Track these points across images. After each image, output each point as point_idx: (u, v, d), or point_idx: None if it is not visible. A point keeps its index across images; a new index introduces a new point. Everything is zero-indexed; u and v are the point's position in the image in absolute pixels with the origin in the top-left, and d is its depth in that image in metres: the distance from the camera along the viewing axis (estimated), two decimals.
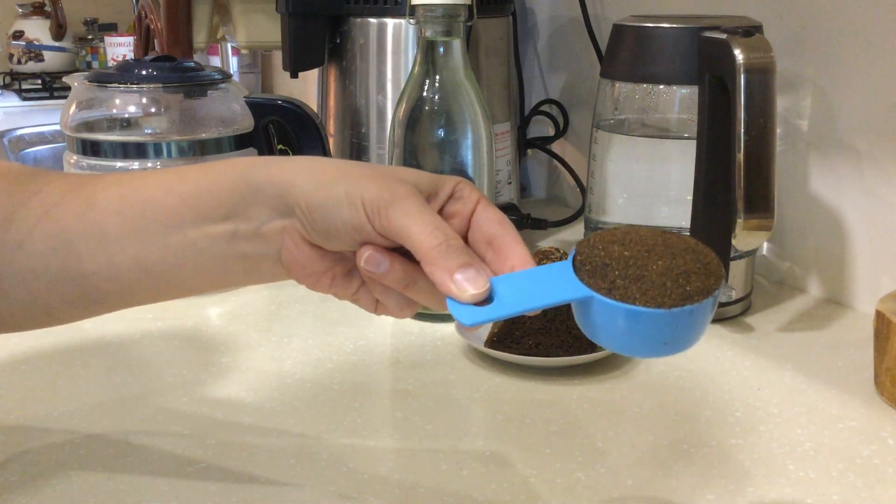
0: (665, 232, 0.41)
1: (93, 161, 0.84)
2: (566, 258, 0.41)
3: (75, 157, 0.85)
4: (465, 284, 0.39)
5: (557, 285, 0.39)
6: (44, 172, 0.47)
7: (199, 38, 1.16)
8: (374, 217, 0.40)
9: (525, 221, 0.94)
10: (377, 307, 0.45)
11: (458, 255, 0.39)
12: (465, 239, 0.43)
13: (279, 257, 0.43)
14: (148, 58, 0.86)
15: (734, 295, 0.74)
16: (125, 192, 0.45)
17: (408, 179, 0.42)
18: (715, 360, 0.70)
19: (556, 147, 1.15)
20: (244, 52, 1.42)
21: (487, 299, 0.39)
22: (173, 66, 0.84)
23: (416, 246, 0.39)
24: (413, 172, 0.44)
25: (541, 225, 0.95)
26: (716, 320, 0.77)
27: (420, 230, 0.39)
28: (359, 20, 0.88)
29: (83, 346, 0.72)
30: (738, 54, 0.66)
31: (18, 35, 2.60)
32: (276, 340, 0.73)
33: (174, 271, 0.45)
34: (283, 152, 0.92)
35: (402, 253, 0.42)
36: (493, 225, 0.42)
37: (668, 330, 0.38)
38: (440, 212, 0.43)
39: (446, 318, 0.72)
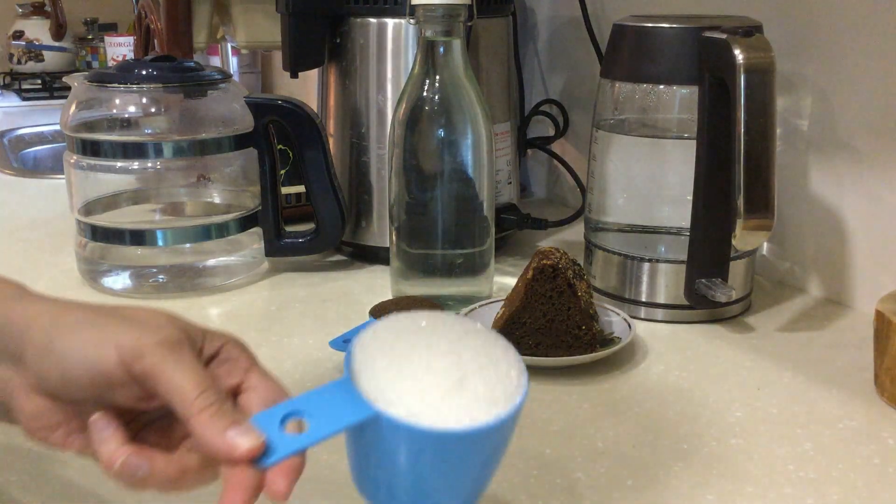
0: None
1: (93, 161, 0.84)
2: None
3: (75, 157, 0.85)
4: (236, 442, 0.35)
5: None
6: None
7: (199, 38, 1.16)
8: (133, 362, 0.36)
9: (525, 221, 0.94)
10: None
11: (224, 412, 0.36)
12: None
13: (7, 405, 0.39)
14: (148, 58, 0.86)
15: (734, 295, 0.74)
16: None
17: (175, 325, 0.38)
18: (715, 360, 0.70)
19: (556, 147, 1.15)
20: (244, 52, 1.42)
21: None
22: (173, 66, 0.84)
23: (183, 404, 0.35)
24: (176, 319, 0.39)
25: (541, 225, 0.95)
26: (716, 320, 0.77)
27: (185, 385, 0.35)
28: (359, 20, 0.88)
29: None
30: (738, 54, 0.66)
31: (18, 35, 2.59)
32: (276, 340, 0.73)
33: None
34: (283, 152, 0.92)
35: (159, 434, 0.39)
36: (273, 397, 0.39)
37: None
38: None
39: None
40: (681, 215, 0.75)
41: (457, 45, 0.74)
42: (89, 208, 0.87)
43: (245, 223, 0.87)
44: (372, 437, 0.36)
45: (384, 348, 0.37)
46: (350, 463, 0.39)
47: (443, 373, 0.36)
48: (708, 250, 0.74)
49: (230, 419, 0.35)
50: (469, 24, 0.76)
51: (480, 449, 0.37)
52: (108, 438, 0.37)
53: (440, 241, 0.76)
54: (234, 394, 0.39)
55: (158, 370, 0.36)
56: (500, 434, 0.37)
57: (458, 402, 0.35)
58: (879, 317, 0.62)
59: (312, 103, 0.91)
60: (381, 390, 0.35)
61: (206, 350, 0.39)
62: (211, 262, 0.87)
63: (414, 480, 0.37)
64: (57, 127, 1.41)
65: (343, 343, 0.66)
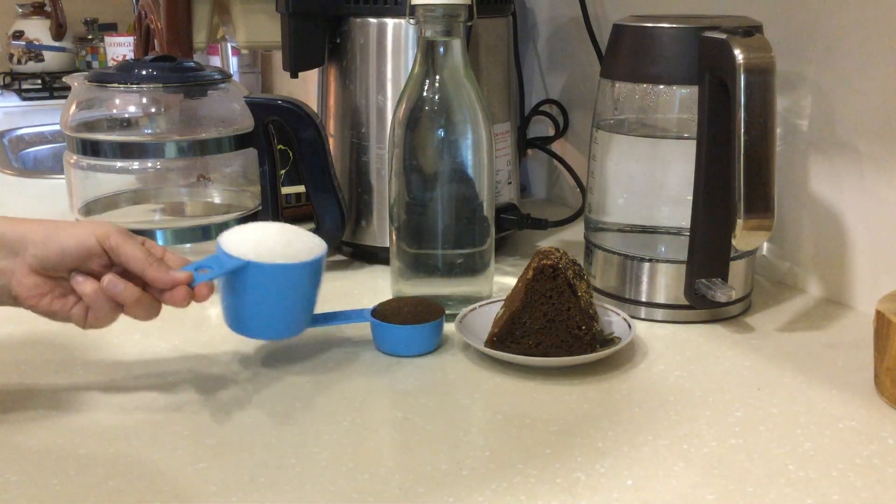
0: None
1: (93, 161, 0.84)
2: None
3: (75, 157, 0.85)
4: (177, 275, 0.59)
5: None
6: None
7: (199, 38, 1.16)
8: (105, 240, 0.58)
9: (525, 221, 0.94)
10: (85, 321, 0.60)
11: (164, 265, 0.60)
12: None
13: (8, 289, 0.59)
14: (148, 58, 0.86)
15: (734, 295, 0.74)
16: None
17: (119, 226, 0.61)
18: (715, 360, 0.70)
19: (556, 147, 1.15)
20: (244, 52, 1.42)
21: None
22: (173, 66, 0.84)
23: (137, 261, 0.59)
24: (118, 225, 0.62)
25: (541, 225, 0.95)
26: (716, 320, 0.77)
27: (138, 252, 0.59)
28: (359, 20, 0.88)
29: (83, 346, 0.72)
30: (738, 54, 0.66)
31: (18, 35, 2.60)
32: (276, 340, 0.73)
33: None
34: (283, 152, 0.92)
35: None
36: (183, 262, 0.62)
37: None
38: None
39: (448, 318, 0.73)
40: (681, 215, 0.75)
41: (457, 45, 0.74)
42: (89, 208, 0.87)
43: (245, 223, 0.87)
44: (240, 280, 0.61)
45: (238, 237, 0.63)
46: (224, 312, 0.64)
47: (276, 241, 0.63)
48: (708, 250, 0.74)
49: (168, 267, 0.60)
50: (469, 24, 0.76)
51: (303, 278, 0.64)
52: (86, 280, 0.59)
53: (440, 241, 0.76)
54: None
55: (121, 244, 0.59)
56: (313, 269, 0.64)
57: (288, 253, 0.62)
58: (879, 317, 0.63)
59: (312, 103, 0.91)
60: (243, 253, 0.61)
61: (137, 240, 0.61)
62: None
63: (268, 306, 0.63)
64: (57, 127, 1.41)
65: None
